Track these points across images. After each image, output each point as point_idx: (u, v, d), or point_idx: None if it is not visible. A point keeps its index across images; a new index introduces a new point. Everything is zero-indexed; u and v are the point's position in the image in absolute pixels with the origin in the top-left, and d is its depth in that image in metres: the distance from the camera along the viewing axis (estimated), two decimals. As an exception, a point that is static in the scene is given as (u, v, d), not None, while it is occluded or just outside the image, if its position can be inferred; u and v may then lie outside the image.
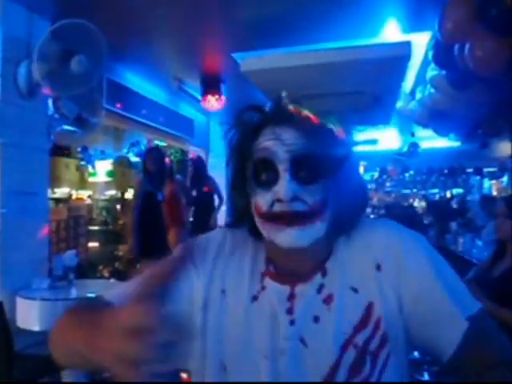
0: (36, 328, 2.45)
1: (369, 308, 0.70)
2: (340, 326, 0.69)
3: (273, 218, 0.70)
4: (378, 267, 0.72)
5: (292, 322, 0.71)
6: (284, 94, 0.77)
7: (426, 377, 3.47)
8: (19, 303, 2.49)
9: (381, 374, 0.68)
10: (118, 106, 4.42)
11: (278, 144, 0.70)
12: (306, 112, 0.73)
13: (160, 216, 4.03)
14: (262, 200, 0.71)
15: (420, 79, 4.63)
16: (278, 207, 0.69)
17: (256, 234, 0.77)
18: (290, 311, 0.72)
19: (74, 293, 2.63)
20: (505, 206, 2.19)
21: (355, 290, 0.71)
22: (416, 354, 3.66)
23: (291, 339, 0.70)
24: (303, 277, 0.74)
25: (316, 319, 0.70)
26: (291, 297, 0.73)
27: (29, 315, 2.47)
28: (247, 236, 0.80)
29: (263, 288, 0.75)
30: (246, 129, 0.76)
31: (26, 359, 2.40)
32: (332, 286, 0.72)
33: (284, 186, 0.68)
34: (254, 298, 0.74)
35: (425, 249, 0.73)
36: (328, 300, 0.71)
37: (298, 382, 0.69)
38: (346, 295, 0.71)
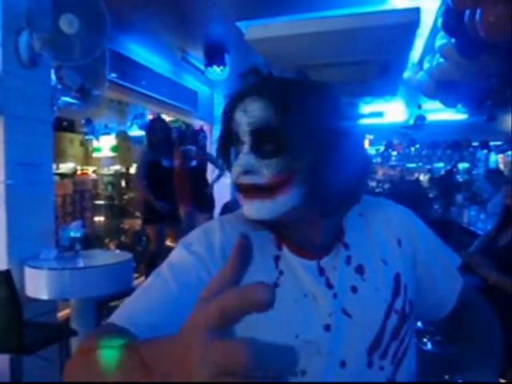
0: (44, 297, 2.49)
1: (397, 278, 0.75)
2: (379, 294, 0.73)
3: (239, 189, 0.71)
4: (399, 243, 0.78)
5: (335, 296, 0.71)
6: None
7: (429, 346, 3.53)
8: (28, 273, 2.53)
9: (410, 336, 0.74)
10: (121, 77, 4.37)
11: (243, 116, 0.69)
12: (288, 81, 0.70)
13: (167, 183, 4.10)
14: (233, 171, 0.71)
15: (428, 49, 4.54)
16: (240, 179, 0.69)
17: None
18: (329, 285, 0.72)
19: (80, 263, 2.65)
20: None
21: (385, 262, 0.75)
22: (419, 324, 3.73)
23: (335, 313, 0.71)
24: (324, 250, 0.74)
25: (354, 289, 0.72)
26: (321, 271, 0.73)
27: (37, 284, 2.50)
28: (246, 223, 0.76)
29: (281, 273, 0.73)
30: (229, 99, 0.74)
31: (35, 327, 2.45)
32: (361, 258, 0.75)
33: (241, 159, 0.68)
34: (275, 286, 0.72)
35: (423, 223, 0.83)
36: (360, 270, 0.74)
37: (343, 357, 0.70)
38: (378, 267, 0.75)
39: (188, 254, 0.72)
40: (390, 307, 0.73)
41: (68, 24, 2.52)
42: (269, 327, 0.68)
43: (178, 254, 0.74)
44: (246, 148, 0.68)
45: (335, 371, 0.69)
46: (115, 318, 0.64)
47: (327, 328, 0.70)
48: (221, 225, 0.78)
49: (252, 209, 0.68)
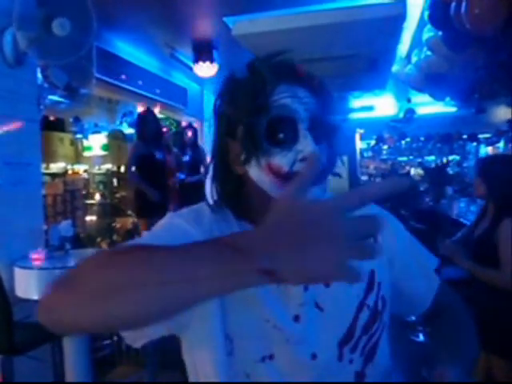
0: (35, 297, 2.47)
1: (372, 274, 0.77)
2: (352, 289, 0.74)
3: (288, 177, 0.68)
4: (374, 240, 0.76)
5: (306, 288, 0.72)
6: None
7: (421, 337, 3.56)
8: (17, 273, 2.51)
9: (381, 332, 0.76)
10: (109, 75, 4.34)
11: (296, 102, 0.69)
12: (310, 73, 0.74)
13: (160, 175, 4.10)
14: (281, 160, 0.68)
15: (416, 42, 4.56)
16: (299, 167, 0.67)
17: (240, 211, 0.76)
18: None
19: (70, 262, 2.64)
20: (476, 167, 2.21)
21: None
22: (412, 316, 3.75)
23: (306, 305, 0.72)
24: None
25: (326, 284, 0.73)
26: None
27: (27, 285, 2.49)
28: (227, 216, 0.77)
29: None
30: (255, 83, 0.71)
31: (26, 328, 2.43)
32: None
33: (309, 144, 0.67)
34: None
35: (400, 224, 0.87)
36: None
37: (314, 349, 0.70)
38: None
39: (178, 218, 0.74)
40: (362, 302, 0.74)
41: (60, 27, 2.49)
42: (241, 310, 0.70)
43: (170, 218, 0.76)
44: (307, 134, 0.68)
45: (306, 363, 0.70)
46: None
47: (296, 318, 0.71)
48: (211, 208, 0.78)
49: (311, 195, 0.68)
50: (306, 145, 0.67)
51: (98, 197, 7.00)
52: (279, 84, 0.70)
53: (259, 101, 0.69)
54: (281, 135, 0.68)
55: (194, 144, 5.42)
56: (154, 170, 4.09)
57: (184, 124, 6.31)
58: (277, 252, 0.45)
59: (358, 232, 0.45)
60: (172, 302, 0.47)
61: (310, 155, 0.66)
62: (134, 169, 4.07)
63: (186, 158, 5.19)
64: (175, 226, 0.72)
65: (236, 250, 0.46)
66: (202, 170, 5.40)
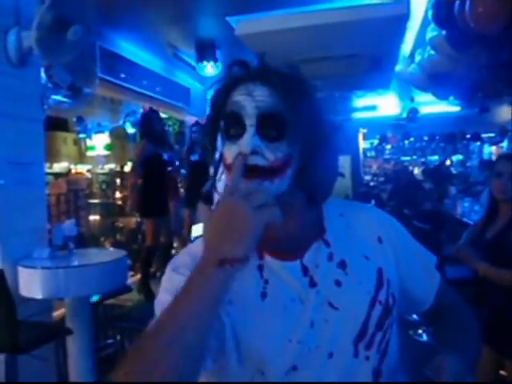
0: (39, 296, 2.48)
1: (380, 272, 0.79)
2: (362, 287, 0.76)
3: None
4: (380, 240, 0.82)
5: (318, 292, 0.74)
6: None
7: (425, 337, 3.55)
8: (21, 272, 2.51)
9: (391, 329, 0.77)
10: (112, 74, 4.35)
11: (248, 99, 0.72)
12: (285, 72, 0.75)
13: (164, 176, 4.11)
14: (228, 152, 0.73)
15: (419, 42, 4.55)
16: (241, 159, 0.70)
17: None
18: (313, 284, 0.75)
19: (74, 261, 2.65)
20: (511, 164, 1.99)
21: (367, 258, 0.79)
22: (415, 316, 3.75)
23: (319, 308, 0.73)
24: (305, 247, 0.77)
25: (338, 283, 0.75)
26: (305, 271, 0.76)
27: (31, 284, 2.49)
28: None
29: (266, 282, 0.75)
30: (223, 84, 0.77)
31: (30, 327, 2.44)
32: (342, 254, 0.78)
33: (246, 139, 0.70)
34: (263, 295, 0.74)
35: (400, 224, 0.89)
36: (342, 265, 0.77)
37: (330, 348, 0.72)
38: (360, 261, 0.78)
39: (179, 276, 0.74)
40: (374, 298, 0.76)
41: (74, 34, 2.50)
42: (263, 335, 0.72)
43: (169, 278, 0.78)
44: (250, 130, 0.70)
45: (323, 363, 0.72)
46: None
47: (312, 325, 0.73)
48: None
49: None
50: (244, 139, 0.70)
51: (100, 196, 7.02)
52: (241, 83, 0.74)
53: (221, 99, 0.75)
54: (231, 129, 0.73)
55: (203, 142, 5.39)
56: (160, 170, 4.10)
57: (191, 122, 6.28)
58: (217, 245, 0.63)
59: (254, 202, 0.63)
60: (199, 325, 0.62)
61: (245, 152, 0.69)
62: (139, 173, 4.06)
63: (196, 158, 5.14)
64: (175, 286, 0.71)
65: (197, 269, 0.64)
66: (212, 170, 5.36)
